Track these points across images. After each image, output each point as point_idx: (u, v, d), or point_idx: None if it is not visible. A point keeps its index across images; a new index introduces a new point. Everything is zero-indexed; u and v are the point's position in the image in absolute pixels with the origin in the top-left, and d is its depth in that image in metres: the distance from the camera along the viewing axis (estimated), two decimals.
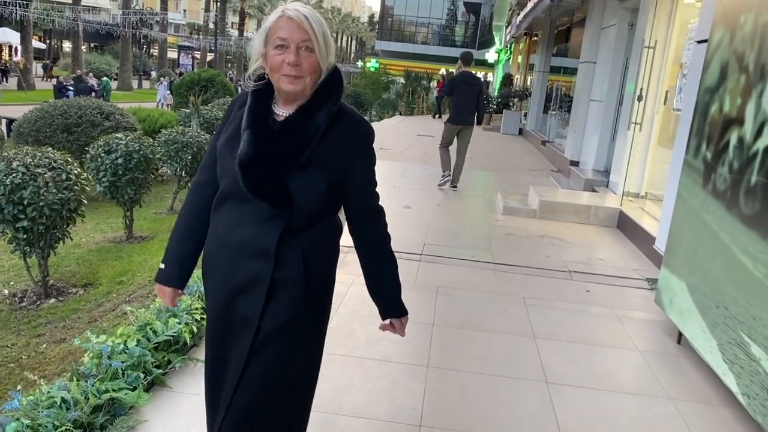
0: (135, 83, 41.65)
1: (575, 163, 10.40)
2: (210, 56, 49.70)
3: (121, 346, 2.75)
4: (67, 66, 38.87)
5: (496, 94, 23.04)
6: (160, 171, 8.10)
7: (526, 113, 19.05)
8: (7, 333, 4.76)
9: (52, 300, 5.46)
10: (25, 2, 29.72)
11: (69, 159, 5.56)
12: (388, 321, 1.98)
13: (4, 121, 13.14)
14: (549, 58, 16.61)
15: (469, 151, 8.63)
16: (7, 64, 32.72)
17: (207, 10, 51.29)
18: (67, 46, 50.87)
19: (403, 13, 54.47)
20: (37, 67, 38.66)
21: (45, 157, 5.33)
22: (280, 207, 1.67)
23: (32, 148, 5.56)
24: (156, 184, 8.19)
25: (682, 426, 2.88)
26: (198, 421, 2.57)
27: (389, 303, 1.97)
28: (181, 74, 33.26)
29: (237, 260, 1.71)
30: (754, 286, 2.84)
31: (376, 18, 78.49)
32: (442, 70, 37.68)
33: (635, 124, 7.24)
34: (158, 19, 45.70)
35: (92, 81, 24.82)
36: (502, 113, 19.65)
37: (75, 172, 5.44)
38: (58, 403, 2.32)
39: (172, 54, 52.02)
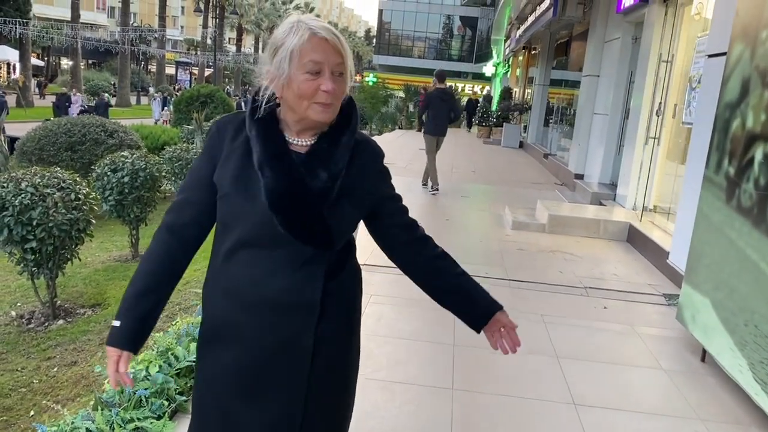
0: (133, 99, 41.70)
1: (580, 177, 10.38)
2: (208, 72, 49.84)
3: (143, 372, 2.69)
4: (66, 83, 38.91)
5: (495, 107, 23.06)
6: (163, 188, 8.06)
7: (526, 126, 19.07)
8: (16, 356, 4.69)
9: (61, 321, 5.39)
10: (24, 20, 29.78)
11: (78, 179, 5.51)
12: (496, 328, 1.76)
13: (6, 140, 13.08)
14: (549, 71, 16.66)
15: (472, 165, 8.69)
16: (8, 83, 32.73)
17: (205, 26, 51.48)
18: (65, 63, 51.01)
19: (400, 28, 54.77)
20: (35, 85, 38.70)
21: (54, 177, 5.29)
22: (324, 248, 1.53)
23: (40, 168, 5.51)
24: (159, 201, 8.15)
25: None
26: None
27: (485, 298, 1.76)
28: (179, 89, 33.30)
29: (271, 318, 1.52)
30: None
31: (373, 32, 78.95)
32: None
33: (653, 138, 7.22)
34: (156, 35, 45.86)
35: (77, 96, 24.80)
36: (502, 126, 19.66)
37: (84, 191, 5.40)
38: None
39: (170, 70, 52.14)
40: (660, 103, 7.17)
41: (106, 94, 26.25)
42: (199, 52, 52.76)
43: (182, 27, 75.64)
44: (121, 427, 2.34)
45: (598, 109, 10.07)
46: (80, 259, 5.74)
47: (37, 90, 41.12)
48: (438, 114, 9.35)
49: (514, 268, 5.51)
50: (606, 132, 9.45)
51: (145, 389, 2.57)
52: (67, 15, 39.36)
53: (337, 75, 1.47)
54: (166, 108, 26.89)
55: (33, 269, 5.20)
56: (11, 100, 23.57)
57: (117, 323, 1.53)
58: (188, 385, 2.81)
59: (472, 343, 3.79)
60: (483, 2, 45.43)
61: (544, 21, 12.59)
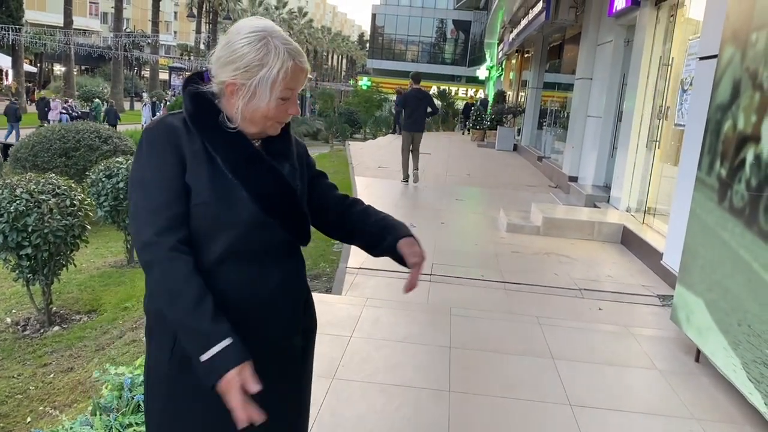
0: (127, 105, 41.63)
1: (574, 179, 10.42)
2: None
3: (141, 377, 2.69)
4: (59, 89, 38.84)
5: (489, 110, 23.14)
6: None
7: (519, 129, 19.14)
8: (12, 363, 4.68)
9: (56, 328, 5.38)
10: (17, 26, 29.72)
11: (72, 185, 5.51)
12: (412, 257, 1.68)
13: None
14: (542, 74, 16.73)
15: (467, 168, 8.73)
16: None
17: (198, 31, 51.52)
18: (58, 69, 50.89)
19: (394, 32, 54.86)
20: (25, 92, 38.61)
21: (48, 183, 5.29)
22: (306, 240, 1.60)
23: (35, 175, 5.51)
24: None
25: None
26: None
27: (393, 222, 1.74)
28: (174, 95, 33.24)
29: (263, 321, 1.51)
30: None
31: (366, 37, 79.10)
32: (434, 89, 37.92)
33: (655, 141, 7.26)
34: (149, 41, 45.84)
35: (56, 102, 24.76)
36: (496, 130, 19.72)
37: (79, 197, 5.40)
38: None
39: (163, 75, 52.09)
40: (662, 106, 7.21)
41: (58, 101, 26.02)
42: (192, 58, 52.74)
43: (175, 32, 75.65)
44: (119, 431, 2.34)
45: (592, 112, 10.12)
46: (75, 265, 5.74)
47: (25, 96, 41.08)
48: (414, 112, 10.15)
49: (509, 270, 5.53)
50: (599, 134, 9.50)
51: (143, 394, 2.57)
52: (59, 21, 39.31)
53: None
54: (157, 114, 26.92)
55: (28, 275, 5.20)
56: (1, 107, 23.54)
57: (227, 341, 1.34)
58: None
59: (468, 345, 3.82)
60: (476, 6, 45.57)
61: (537, 24, 12.66)
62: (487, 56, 32.54)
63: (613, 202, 8.33)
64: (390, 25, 54.73)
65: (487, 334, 4.01)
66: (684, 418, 3.09)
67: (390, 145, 18.59)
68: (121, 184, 6.70)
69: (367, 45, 69.47)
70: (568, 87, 12.42)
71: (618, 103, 9.16)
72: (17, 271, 5.18)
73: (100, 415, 2.44)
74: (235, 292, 1.46)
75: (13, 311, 5.77)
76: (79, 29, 42.79)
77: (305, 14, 76.59)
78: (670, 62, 7.12)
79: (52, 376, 4.41)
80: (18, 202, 4.93)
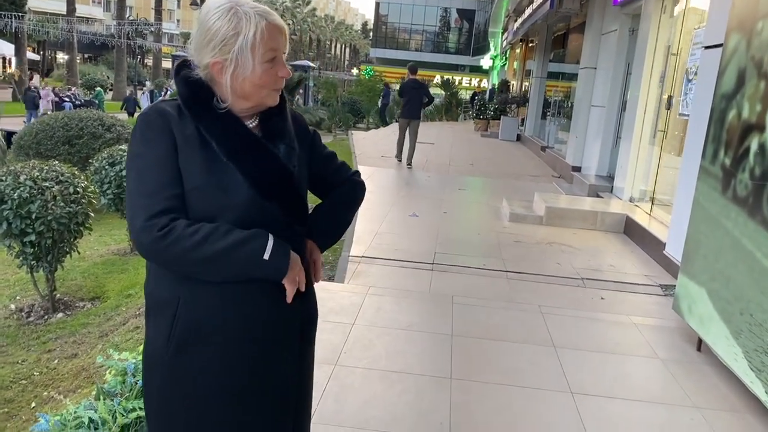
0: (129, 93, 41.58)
1: (577, 169, 10.40)
2: None
3: None
4: (62, 77, 38.78)
5: (493, 99, 23.05)
6: None
7: (523, 119, 19.08)
8: (16, 349, 4.71)
9: (60, 314, 5.41)
10: (20, 14, 29.65)
11: (76, 172, 5.52)
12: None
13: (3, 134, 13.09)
14: (546, 63, 16.66)
15: (470, 158, 8.82)
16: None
17: None
18: (61, 57, 50.83)
19: (397, 21, 54.59)
20: (33, 80, 38.57)
21: (52, 171, 5.29)
22: (304, 221, 1.60)
23: (39, 162, 5.52)
24: None
25: None
26: None
27: (322, 230, 1.71)
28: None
29: (265, 307, 1.52)
30: None
31: (370, 26, 78.76)
32: (437, 78, 37.79)
33: (659, 131, 7.23)
34: (152, 29, 45.70)
35: (45, 90, 24.70)
36: (499, 119, 19.67)
37: (82, 185, 5.41)
38: (86, 424, 2.28)
39: (166, 64, 51.97)
40: (668, 96, 7.18)
41: (47, 89, 25.91)
42: None
43: (178, 20, 75.40)
44: (123, 416, 2.36)
45: (596, 102, 10.09)
46: (79, 253, 5.76)
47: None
48: (410, 101, 11.07)
49: (512, 260, 5.54)
50: (603, 124, 9.47)
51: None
52: (62, 9, 39.21)
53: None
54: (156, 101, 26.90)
55: (32, 262, 5.22)
56: (7, 94, 23.54)
57: (271, 242, 1.42)
58: None
59: (470, 333, 3.83)
60: None
61: (542, 13, 12.58)
62: (491, 45, 32.38)
63: (616, 192, 8.32)
64: (394, 13, 54.46)
65: (488, 323, 4.02)
66: (685, 407, 3.10)
67: (392, 135, 18.56)
68: (125, 172, 6.70)
69: (371, 34, 69.18)
70: (573, 77, 12.37)
71: (622, 92, 9.13)
72: (21, 258, 5.19)
73: (104, 399, 2.46)
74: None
75: (17, 298, 5.79)
76: (82, 17, 42.75)
77: (308, 2, 76.27)
78: (677, 52, 7.08)
79: (56, 362, 4.43)
80: (22, 189, 4.93)
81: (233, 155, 1.44)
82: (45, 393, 3.88)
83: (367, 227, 6.01)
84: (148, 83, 36.04)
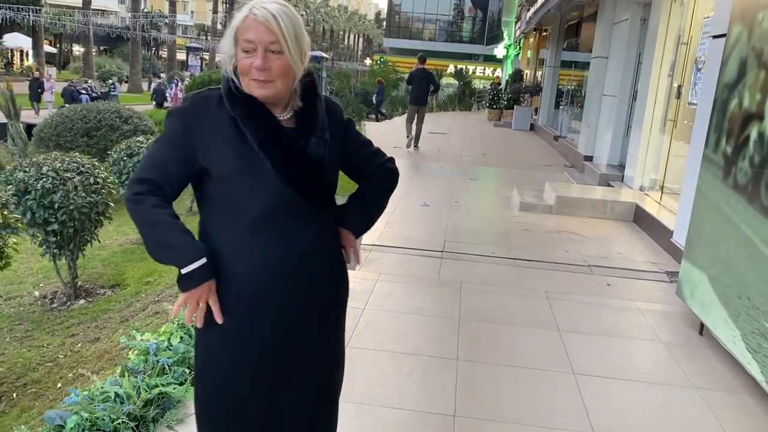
0: (145, 85, 41.93)
1: (589, 158, 10.44)
2: (219, 57, 49.84)
3: (165, 343, 2.87)
4: (78, 69, 39.15)
5: (507, 89, 23.02)
6: None
7: (537, 108, 19.06)
8: (42, 333, 4.91)
9: (82, 301, 5.60)
10: (37, 8, 29.98)
11: (96, 163, 5.69)
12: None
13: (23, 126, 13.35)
14: (560, 52, 16.62)
15: (483, 148, 8.90)
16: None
17: (215, 11, 51.50)
18: (77, 49, 51.28)
19: (411, 10, 54.40)
20: (48, 72, 38.99)
21: (73, 162, 5.47)
22: (328, 205, 1.73)
23: (60, 153, 5.70)
24: None
25: (708, 414, 2.96)
26: None
27: (355, 216, 1.86)
28: (191, 75, 33.39)
29: (300, 281, 1.66)
30: None
31: (383, 15, 78.50)
32: (451, 67, 37.70)
33: (669, 120, 7.28)
34: (167, 21, 45.98)
35: (50, 82, 24.95)
36: (513, 109, 19.66)
37: (102, 175, 5.58)
38: (112, 398, 2.44)
39: (181, 56, 52.27)
40: (679, 85, 7.21)
41: (52, 81, 26.13)
42: (209, 38, 52.85)
43: (192, 12, 75.68)
44: (146, 391, 2.51)
45: (607, 91, 10.11)
46: (99, 242, 5.95)
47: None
48: (418, 88, 12.01)
49: (520, 248, 5.64)
50: (615, 113, 9.50)
51: (168, 358, 2.75)
52: (78, 1, 39.55)
53: (272, 53, 1.56)
54: (167, 93, 27.23)
55: (55, 251, 5.40)
56: (24, 87, 23.88)
57: (202, 261, 1.57)
58: None
59: (477, 317, 3.95)
60: None
61: (554, 2, 12.58)
62: (505, 35, 32.23)
63: (627, 181, 8.37)
64: (407, 3, 54.25)
65: (495, 308, 4.14)
66: (683, 387, 3.21)
67: (404, 125, 18.63)
68: None
69: (384, 24, 69.02)
70: (586, 66, 12.36)
71: (633, 82, 9.14)
72: (44, 247, 5.38)
73: (129, 376, 2.62)
74: (268, 251, 1.62)
75: (41, 285, 6.00)
76: (98, 9, 43.06)
77: None
78: (687, 41, 7.10)
79: (79, 345, 4.62)
80: (44, 179, 5.12)
81: (264, 146, 1.58)
82: (70, 374, 4.07)
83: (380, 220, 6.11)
84: (163, 75, 36.28)
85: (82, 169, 5.45)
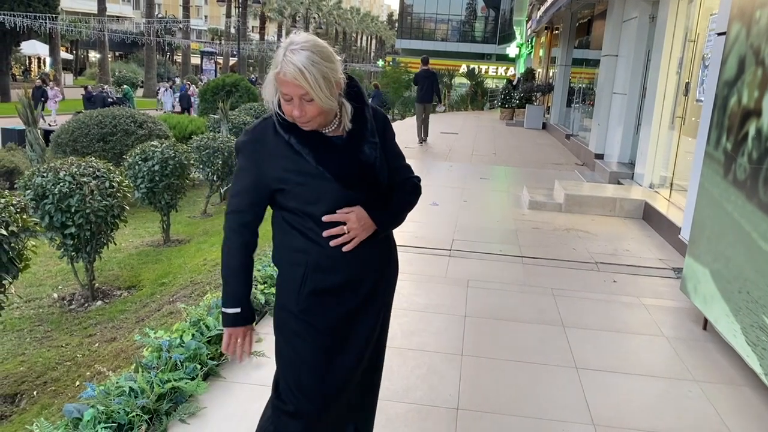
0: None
1: (600, 156, 10.46)
2: (232, 61, 50.28)
3: (178, 340, 2.97)
4: (94, 75, 39.66)
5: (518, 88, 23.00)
6: (192, 176, 8.38)
7: (549, 107, 19.05)
8: (60, 334, 5.04)
9: (99, 302, 5.74)
10: (53, 15, 30.42)
11: (111, 167, 5.83)
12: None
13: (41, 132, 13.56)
14: (571, 51, 16.62)
15: (494, 147, 8.96)
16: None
17: (228, 15, 51.92)
18: (93, 55, 51.91)
19: (423, 11, 54.39)
20: (65, 78, 39.53)
21: (89, 166, 5.61)
22: (382, 201, 1.94)
23: (76, 158, 5.84)
24: (189, 188, 8.47)
25: (707, 406, 3.02)
26: (252, 407, 2.78)
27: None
28: (205, 80, 33.75)
29: (362, 264, 1.93)
30: None
31: (395, 17, 78.53)
32: (463, 67, 37.70)
33: (678, 118, 7.30)
34: (181, 26, 46.41)
35: (54, 90, 25.23)
36: (525, 108, 19.66)
37: (117, 179, 5.72)
38: (127, 392, 2.54)
39: (195, 60, 52.73)
40: (687, 82, 7.23)
41: (52, 86, 26.39)
42: (223, 42, 53.28)
43: (206, 17, 76.19)
44: (159, 386, 2.62)
45: (617, 89, 10.13)
46: (116, 244, 6.08)
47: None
48: (423, 88, 13.18)
49: (528, 245, 5.70)
50: (624, 111, 9.52)
51: (180, 354, 2.85)
52: (93, 8, 40.08)
53: (306, 101, 1.76)
54: (174, 97, 27.58)
55: (72, 254, 5.54)
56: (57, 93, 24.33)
57: (237, 309, 1.92)
58: (219, 351, 3.09)
59: (482, 314, 4.03)
60: None
61: (564, 1, 12.60)
62: (517, 33, 32.21)
63: (636, 179, 8.39)
64: (419, 3, 54.24)
65: (501, 305, 4.21)
66: (684, 380, 3.26)
67: (412, 128, 18.69)
68: (157, 167, 7.02)
69: (396, 25, 69.09)
70: (597, 63, 12.37)
71: (643, 79, 9.16)
72: (62, 250, 5.52)
73: (142, 372, 2.72)
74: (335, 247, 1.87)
75: (60, 287, 6.15)
76: (113, 16, 43.62)
77: None
78: (694, 38, 7.12)
79: (96, 345, 4.75)
80: (61, 184, 5.26)
81: (321, 161, 1.82)
82: (88, 373, 4.19)
83: None
84: (177, 80, 36.65)
85: (98, 173, 5.58)
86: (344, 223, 1.85)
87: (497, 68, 46.43)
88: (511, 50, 36.05)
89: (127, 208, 5.78)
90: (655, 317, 4.13)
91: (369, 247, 1.92)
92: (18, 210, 4.00)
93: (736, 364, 3.41)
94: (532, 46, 26.88)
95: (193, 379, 2.77)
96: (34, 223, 4.32)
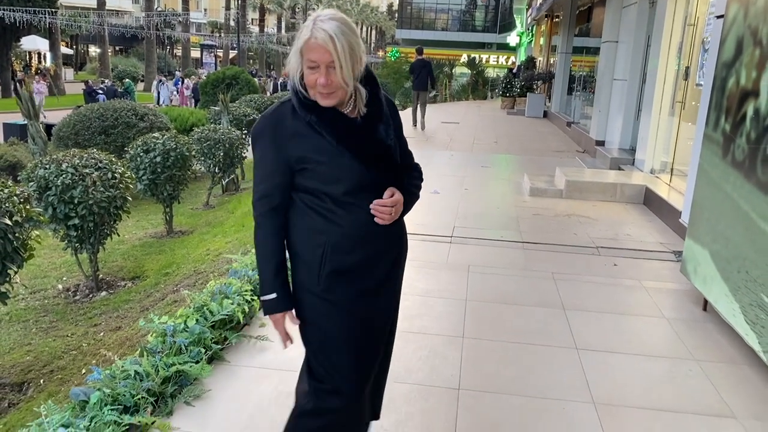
0: None
1: (601, 143, 10.46)
2: (232, 53, 50.19)
3: (182, 325, 3.01)
4: (95, 70, 39.60)
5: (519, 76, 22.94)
6: (194, 167, 8.40)
7: (550, 95, 19.01)
8: (66, 324, 5.09)
9: (103, 293, 5.79)
10: (53, 10, 30.38)
11: (113, 159, 5.86)
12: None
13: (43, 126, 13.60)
14: (571, 38, 16.57)
15: (495, 136, 8.97)
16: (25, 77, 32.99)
17: (227, 8, 51.81)
18: (93, 50, 51.86)
19: (422, 1, 54.18)
20: (66, 73, 39.51)
21: (91, 158, 5.64)
22: (398, 179, 1.98)
23: (79, 150, 5.87)
24: (190, 180, 8.49)
25: (707, 384, 3.05)
26: (256, 389, 2.82)
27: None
28: (206, 72, 33.74)
29: (381, 239, 1.96)
30: None
31: (395, 7, 78.19)
32: (464, 56, 37.59)
33: (678, 102, 7.30)
34: (180, 19, 46.32)
35: (40, 84, 25.22)
36: (526, 97, 19.62)
37: (119, 170, 5.74)
38: (132, 375, 2.58)
39: (195, 53, 52.63)
40: (686, 66, 7.22)
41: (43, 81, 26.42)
42: (222, 34, 53.15)
43: (205, 10, 75.99)
44: (164, 370, 2.66)
45: (618, 75, 10.11)
46: (119, 235, 6.12)
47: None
48: (418, 77, 13.89)
49: (529, 231, 5.72)
50: (625, 97, 9.51)
51: (185, 339, 2.89)
52: (93, 2, 39.98)
53: (332, 68, 1.78)
54: (173, 90, 27.58)
55: (76, 245, 5.58)
56: (42, 88, 24.29)
57: (273, 295, 1.95)
58: (222, 336, 3.13)
59: (483, 298, 4.06)
60: None
61: None
62: (517, 22, 32.10)
63: (638, 165, 8.40)
64: None
65: (502, 289, 4.24)
66: (684, 359, 3.29)
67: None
68: (158, 159, 7.05)
69: (396, 15, 68.79)
70: (597, 51, 12.34)
71: (643, 65, 9.15)
72: (66, 241, 5.56)
73: (147, 356, 2.76)
74: (357, 218, 1.91)
75: (64, 279, 6.19)
76: (112, 10, 43.47)
77: None
78: (694, 22, 7.11)
79: (102, 334, 4.80)
80: (64, 176, 5.29)
81: (341, 141, 1.86)
82: (93, 361, 4.24)
83: None
84: (178, 73, 36.58)
85: (100, 164, 5.61)
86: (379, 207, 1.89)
87: (498, 57, 46.26)
88: (512, 39, 35.94)
89: (130, 199, 5.81)
90: (655, 299, 4.15)
91: (386, 227, 1.96)
92: (21, 200, 4.04)
93: (735, 344, 3.44)
94: (532, 35, 26.80)
95: (197, 362, 2.81)
96: (37, 214, 4.36)
